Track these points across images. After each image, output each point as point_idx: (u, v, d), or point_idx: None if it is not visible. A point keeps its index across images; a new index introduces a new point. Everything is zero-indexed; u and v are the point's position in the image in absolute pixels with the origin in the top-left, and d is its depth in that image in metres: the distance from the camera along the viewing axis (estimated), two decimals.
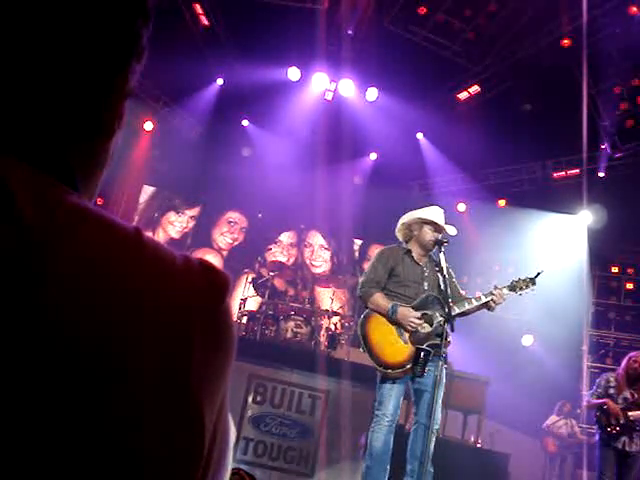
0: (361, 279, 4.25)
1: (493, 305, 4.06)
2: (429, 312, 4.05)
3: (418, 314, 4.01)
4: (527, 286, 4.13)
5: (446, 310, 3.91)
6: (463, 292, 4.33)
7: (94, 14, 0.57)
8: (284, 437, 5.64)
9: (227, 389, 0.58)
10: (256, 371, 5.79)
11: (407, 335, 4.03)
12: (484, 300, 4.06)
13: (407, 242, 4.32)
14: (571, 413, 9.31)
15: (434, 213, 4.24)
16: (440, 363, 3.94)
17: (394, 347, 3.99)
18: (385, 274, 4.16)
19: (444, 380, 4.05)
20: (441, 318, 3.98)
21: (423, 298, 4.10)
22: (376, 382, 4.07)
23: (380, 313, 4.07)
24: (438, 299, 4.08)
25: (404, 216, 4.35)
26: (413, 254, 4.23)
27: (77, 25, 0.55)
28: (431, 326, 4.02)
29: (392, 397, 3.96)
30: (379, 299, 4.07)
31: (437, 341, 3.98)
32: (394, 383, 3.99)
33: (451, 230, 4.20)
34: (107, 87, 0.59)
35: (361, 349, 4.19)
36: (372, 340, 4.04)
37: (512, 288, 4.13)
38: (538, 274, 4.17)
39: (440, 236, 4.18)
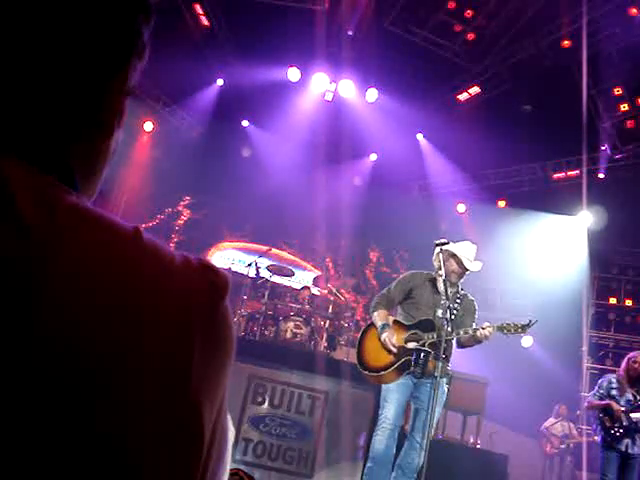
0: (378, 294, 4.59)
1: (480, 339, 4.11)
2: (419, 332, 4.26)
3: (396, 344, 4.23)
4: (516, 331, 4.12)
5: (436, 335, 4.14)
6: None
7: (94, 11, 0.56)
8: (284, 438, 5.63)
9: (226, 389, 0.58)
10: (256, 371, 5.78)
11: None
12: (471, 333, 4.15)
13: (439, 269, 4.38)
14: (569, 415, 9.31)
15: (465, 250, 4.37)
16: (443, 377, 4.10)
17: (378, 353, 4.29)
18: (400, 294, 4.43)
19: (444, 398, 4.23)
20: (428, 340, 4.19)
21: (422, 320, 4.29)
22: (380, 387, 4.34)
23: (375, 327, 4.41)
24: (436, 323, 4.22)
25: (438, 242, 4.38)
26: (437, 283, 4.38)
27: (77, 22, 0.55)
28: (417, 343, 4.22)
29: (393, 402, 4.15)
30: (378, 315, 4.40)
31: (434, 357, 4.14)
32: (394, 389, 4.17)
33: (476, 266, 4.35)
34: (107, 85, 0.59)
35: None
36: (364, 344, 4.43)
37: (500, 329, 4.14)
38: (530, 324, 4.10)
39: (466, 272, 4.37)
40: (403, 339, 4.26)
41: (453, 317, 4.18)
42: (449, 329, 4.08)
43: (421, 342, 4.20)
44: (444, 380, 4.17)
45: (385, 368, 4.22)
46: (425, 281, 4.44)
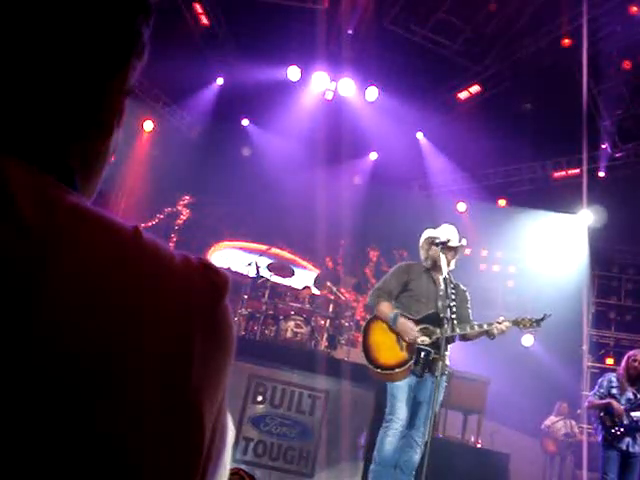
0: (374, 287, 4.45)
1: (495, 334, 4.11)
2: (430, 327, 4.17)
3: (416, 327, 4.14)
4: (531, 325, 4.14)
5: (446, 328, 4.04)
6: (472, 319, 4.40)
7: (94, 11, 0.56)
8: (284, 437, 5.63)
9: (226, 388, 0.58)
10: (256, 371, 5.78)
11: (404, 343, 4.18)
12: (486, 328, 4.13)
13: (426, 259, 4.43)
14: (570, 413, 9.31)
15: (442, 232, 4.35)
16: (444, 375, 4.04)
17: (390, 350, 4.17)
18: (398, 286, 4.33)
19: (441, 397, 4.17)
20: (440, 335, 4.09)
21: (430, 313, 4.22)
22: (385, 388, 4.21)
23: (383, 320, 4.24)
24: (443, 317, 4.16)
25: (422, 234, 4.45)
26: (432, 272, 4.36)
27: (77, 22, 0.55)
28: (430, 338, 4.14)
29: (404, 401, 4.08)
30: (384, 307, 4.26)
31: (435, 355, 4.08)
32: (404, 387, 4.09)
33: (453, 239, 4.30)
34: (107, 85, 0.59)
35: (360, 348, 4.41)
36: (371, 340, 4.26)
37: (516, 323, 4.16)
38: (544, 318, 4.13)
39: (451, 255, 4.30)
40: None
41: (454, 314, 4.12)
42: (451, 326, 4.04)
43: (434, 337, 4.11)
44: (444, 378, 4.13)
45: (400, 365, 4.09)
46: (421, 272, 4.38)
